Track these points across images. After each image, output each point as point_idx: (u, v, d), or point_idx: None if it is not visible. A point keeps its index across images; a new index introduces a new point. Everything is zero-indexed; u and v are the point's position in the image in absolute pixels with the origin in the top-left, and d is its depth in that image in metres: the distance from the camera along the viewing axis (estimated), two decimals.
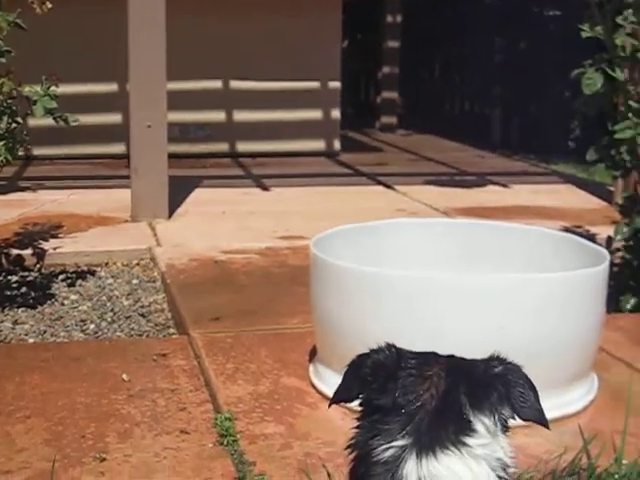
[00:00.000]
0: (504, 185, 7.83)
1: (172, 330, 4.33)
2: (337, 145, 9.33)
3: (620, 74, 4.64)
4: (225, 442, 2.93)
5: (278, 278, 4.89)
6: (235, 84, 8.93)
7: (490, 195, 7.38)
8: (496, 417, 1.74)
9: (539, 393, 1.88)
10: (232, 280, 4.83)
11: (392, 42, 11.57)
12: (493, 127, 11.53)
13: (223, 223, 6.21)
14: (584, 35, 4.86)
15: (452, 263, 3.78)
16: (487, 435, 1.72)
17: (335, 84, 9.21)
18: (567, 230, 5.87)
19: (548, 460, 2.76)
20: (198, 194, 7.08)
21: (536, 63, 10.56)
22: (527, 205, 6.92)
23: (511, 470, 1.75)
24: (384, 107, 11.81)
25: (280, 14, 8.75)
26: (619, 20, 4.75)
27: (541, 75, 10.49)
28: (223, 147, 9.06)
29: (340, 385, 1.87)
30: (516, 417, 1.77)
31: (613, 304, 4.78)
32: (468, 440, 1.69)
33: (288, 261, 5.19)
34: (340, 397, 1.87)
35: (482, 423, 1.72)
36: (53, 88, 4.30)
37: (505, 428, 1.77)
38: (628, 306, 4.73)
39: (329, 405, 1.96)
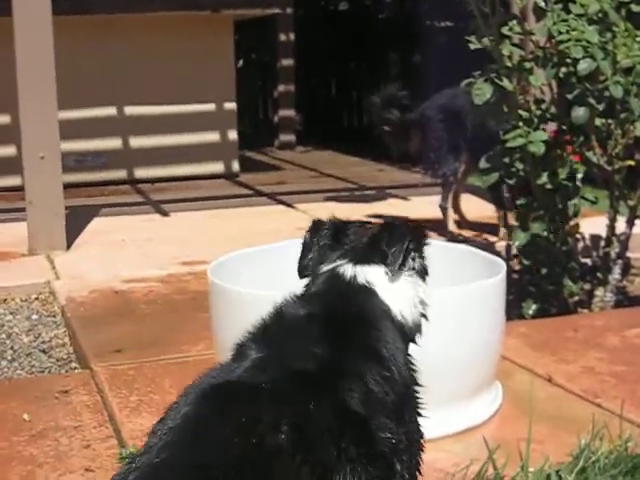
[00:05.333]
0: (404, 198, 7.89)
1: (74, 365, 4.26)
2: (236, 166, 9.29)
3: (508, 84, 4.70)
4: None
5: (180, 305, 4.84)
6: (129, 110, 8.83)
7: (390, 208, 7.42)
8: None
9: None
10: (133, 310, 4.77)
11: (286, 60, 11.58)
12: None
13: (123, 252, 6.13)
14: (472, 47, 4.93)
15: None
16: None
17: (231, 105, 9.17)
18: (467, 240, 5.93)
19: (455, 473, 2.77)
20: (97, 223, 6.98)
21: (429, 74, 10.65)
22: (427, 217, 6.96)
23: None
24: (282, 125, 11.81)
25: (171, 37, 8.70)
26: (504, 31, 4.82)
27: (437, 86, 10.59)
28: (121, 174, 8.93)
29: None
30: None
31: (516, 310, 4.84)
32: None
33: (190, 287, 5.14)
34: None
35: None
36: None
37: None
38: (530, 312, 4.79)
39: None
